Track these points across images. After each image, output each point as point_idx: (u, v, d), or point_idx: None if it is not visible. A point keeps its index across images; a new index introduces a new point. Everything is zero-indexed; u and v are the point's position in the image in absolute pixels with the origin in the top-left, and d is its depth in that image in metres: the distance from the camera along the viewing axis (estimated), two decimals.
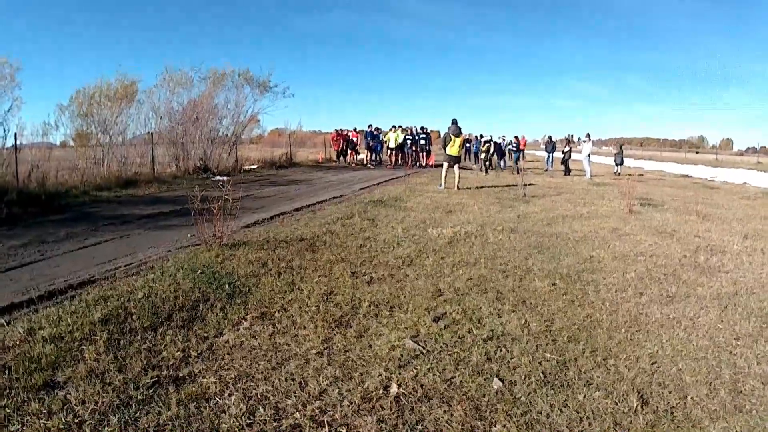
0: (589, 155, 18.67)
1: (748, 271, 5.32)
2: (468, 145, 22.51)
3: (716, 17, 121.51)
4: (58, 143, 14.21)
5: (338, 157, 23.16)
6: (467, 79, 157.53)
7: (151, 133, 15.34)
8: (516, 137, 21.91)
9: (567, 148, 20.30)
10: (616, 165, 21.21)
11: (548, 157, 22.09)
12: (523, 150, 28.85)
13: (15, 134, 10.93)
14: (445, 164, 12.87)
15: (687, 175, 22.56)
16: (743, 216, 9.19)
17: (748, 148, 75.59)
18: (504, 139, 22.51)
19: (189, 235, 6.33)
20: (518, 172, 19.51)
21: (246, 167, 17.96)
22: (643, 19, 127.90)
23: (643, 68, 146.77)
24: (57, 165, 11.95)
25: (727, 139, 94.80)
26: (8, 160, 10.37)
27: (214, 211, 5.67)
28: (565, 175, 18.90)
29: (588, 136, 19.89)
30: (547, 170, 20.80)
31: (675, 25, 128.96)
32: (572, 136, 23.81)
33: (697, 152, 66.39)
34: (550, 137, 22.69)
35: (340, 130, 23.13)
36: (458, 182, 12.65)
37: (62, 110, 14.22)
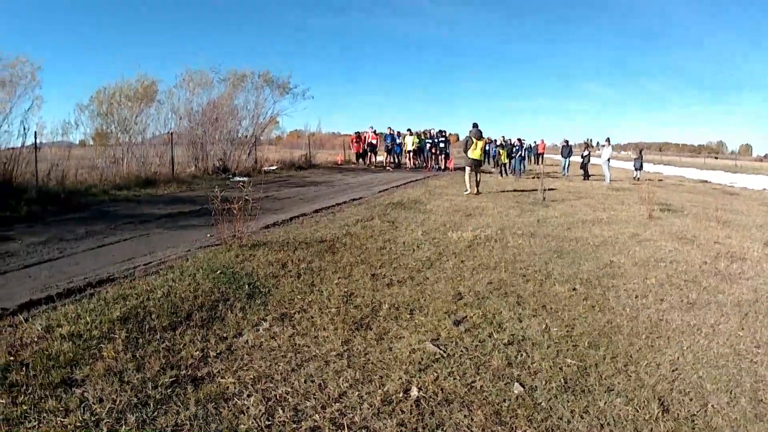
0: (608, 160, 18.46)
1: None
2: (487, 147, 22.45)
3: (738, 20, 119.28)
4: (77, 142, 14.38)
5: (358, 159, 23.23)
6: (484, 83, 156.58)
7: (171, 133, 15.46)
8: (519, 140, 21.87)
9: (586, 153, 20.07)
10: (635, 170, 20.87)
11: (565, 161, 21.78)
12: (542, 154, 28.79)
13: (35, 133, 11.02)
14: (468, 168, 12.64)
15: (706, 181, 22.17)
16: (763, 223, 8.96)
17: None
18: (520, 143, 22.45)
19: (208, 235, 6.33)
20: (520, 176, 19.44)
21: (265, 168, 18.01)
22: (664, 22, 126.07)
23: (664, 73, 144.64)
24: (76, 164, 12.11)
25: (747, 144, 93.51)
26: (28, 159, 10.47)
27: (234, 212, 5.66)
28: (584, 179, 18.68)
29: (608, 140, 19.66)
30: (565, 175, 20.56)
31: (697, 29, 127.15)
32: (591, 140, 23.55)
33: (716, 158, 65.51)
34: (566, 141, 22.35)
35: (361, 132, 23.18)
36: (478, 186, 12.52)
37: (82, 109, 14.45)
